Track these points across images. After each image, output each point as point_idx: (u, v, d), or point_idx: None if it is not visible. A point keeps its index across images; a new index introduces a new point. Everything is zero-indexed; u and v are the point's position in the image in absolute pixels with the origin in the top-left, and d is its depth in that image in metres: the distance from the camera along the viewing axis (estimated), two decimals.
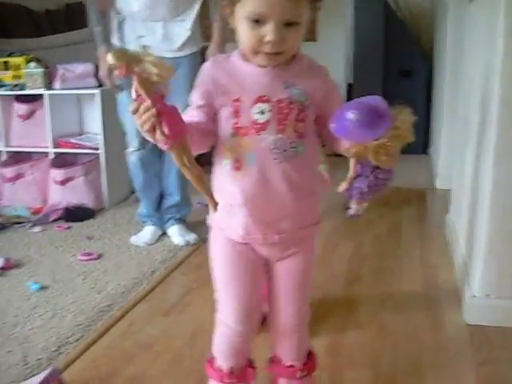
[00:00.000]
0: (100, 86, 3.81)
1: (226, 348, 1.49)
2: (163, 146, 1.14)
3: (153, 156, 3.04)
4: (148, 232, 3.16)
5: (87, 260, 2.88)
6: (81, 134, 4.05)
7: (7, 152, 4.01)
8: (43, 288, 2.55)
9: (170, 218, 3.19)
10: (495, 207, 2.05)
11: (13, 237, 3.31)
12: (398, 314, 2.26)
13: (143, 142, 2.95)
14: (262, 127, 1.26)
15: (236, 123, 1.28)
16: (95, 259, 2.90)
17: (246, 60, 1.29)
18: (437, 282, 2.56)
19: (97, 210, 3.75)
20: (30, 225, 3.46)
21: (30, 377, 1.85)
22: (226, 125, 1.29)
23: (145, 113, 1.10)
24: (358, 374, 1.84)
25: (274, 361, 1.57)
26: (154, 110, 1.09)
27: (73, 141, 3.85)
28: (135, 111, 1.12)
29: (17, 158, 4.00)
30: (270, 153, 1.27)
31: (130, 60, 1.07)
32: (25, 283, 2.61)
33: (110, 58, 1.07)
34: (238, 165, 1.28)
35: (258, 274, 1.43)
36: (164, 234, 3.22)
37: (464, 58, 3.11)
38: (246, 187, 1.29)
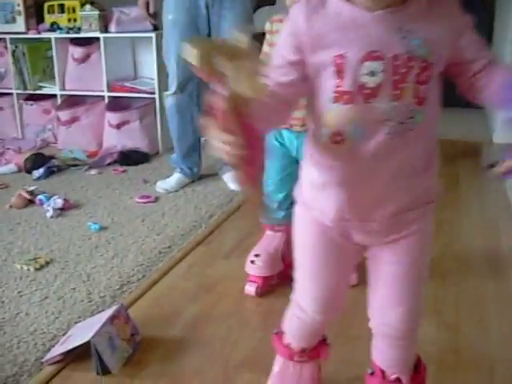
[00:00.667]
0: (155, 29, 3.78)
1: (299, 331, 1.32)
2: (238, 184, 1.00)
3: (190, 102, 3.04)
4: (173, 179, 3.15)
5: (145, 202, 2.91)
6: (135, 79, 4.04)
7: (61, 95, 4.02)
8: (103, 228, 2.59)
9: (225, 164, 3.19)
10: None
11: (70, 179, 3.35)
12: (459, 264, 2.22)
13: (182, 87, 2.97)
14: (372, 93, 0.98)
15: (338, 86, 1.00)
16: (152, 202, 2.92)
17: None
18: (498, 235, 2.51)
19: (151, 155, 3.76)
20: (85, 167, 3.50)
21: (96, 313, 1.89)
22: (324, 87, 1.02)
23: (224, 142, 0.88)
24: (422, 320, 1.82)
25: (374, 373, 1.27)
26: (239, 150, 0.88)
27: (128, 85, 3.85)
28: (208, 128, 0.89)
29: (71, 101, 4.02)
30: (381, 126, 1.00)
31: (218, 63, 0.86)
32: (84, 223, 2.65)
33: (191, 55, 0.86)
34: (338, 138, 1.03)
35: (347, 263, 1.21)
36: (216, 176, 3.24)
37: None
38: (347, 165, 1.06)
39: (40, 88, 4.07)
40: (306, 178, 1.17)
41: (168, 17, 2.90)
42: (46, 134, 4.09)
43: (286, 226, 1.90)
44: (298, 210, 1.21)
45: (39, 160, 3.44)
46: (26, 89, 4.07)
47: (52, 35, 3.91)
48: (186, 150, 3.16)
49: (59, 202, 2.81)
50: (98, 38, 3.80)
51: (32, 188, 3.00)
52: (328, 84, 1.01)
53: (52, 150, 3.93)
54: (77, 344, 1.61)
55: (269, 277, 2.01)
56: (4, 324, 1.85)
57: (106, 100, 3.87)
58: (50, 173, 3.38)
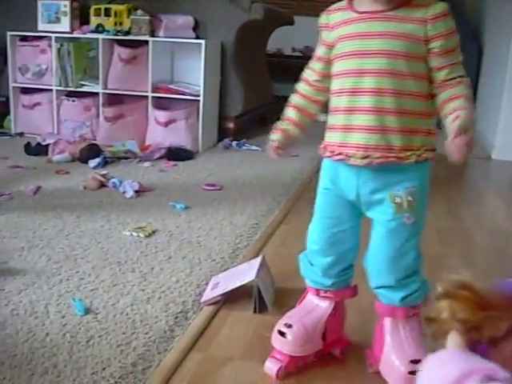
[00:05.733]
0: (198, 37, 4.08)
1: None
2: None
3: None
4: None
5: (212, 190, 3.15)
6: (172, 82, 4.30)
7: (103, 94, 4.22)
8: (187, 208, 2.82)
9: None
10: None
11: (126, 169, 3.53)
12: None
13: None
14: None
15: None
16: (219, 190, 3.17)
17: None
18: None
19: (194, 152, 4.00)
20: (137, 160, 3.71)
21: (224, 270, 2.13)
22: None
23: None
24: None
25: None
26: None
27: (173, 87, 4.10)
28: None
29: (113, 99, 4.22)
30: None
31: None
32: (166, 203, 2.87)
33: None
34: None
35: None
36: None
37: None
38: None
39: (81, 86, 4.26)
40: None
41: None
42: (84, 130, 4.26)
43: (335, 292, 1.55)
44: None
45: (94, 150, 3.64)
46: (67, 86, 4.25)
47: (99, 36, 4.12)
48: None
49: (135, 185, 3.03)
50: (145, 42, 4.05)
51: (104, 172, 3.20)
52: None
53: None
54: (239, 284, 1.86)
55: (298, 357, 1.54)
56: (145, 276, 2.06)
57: (149, 100, 4.10)
58: (105, 163, 3.58)
